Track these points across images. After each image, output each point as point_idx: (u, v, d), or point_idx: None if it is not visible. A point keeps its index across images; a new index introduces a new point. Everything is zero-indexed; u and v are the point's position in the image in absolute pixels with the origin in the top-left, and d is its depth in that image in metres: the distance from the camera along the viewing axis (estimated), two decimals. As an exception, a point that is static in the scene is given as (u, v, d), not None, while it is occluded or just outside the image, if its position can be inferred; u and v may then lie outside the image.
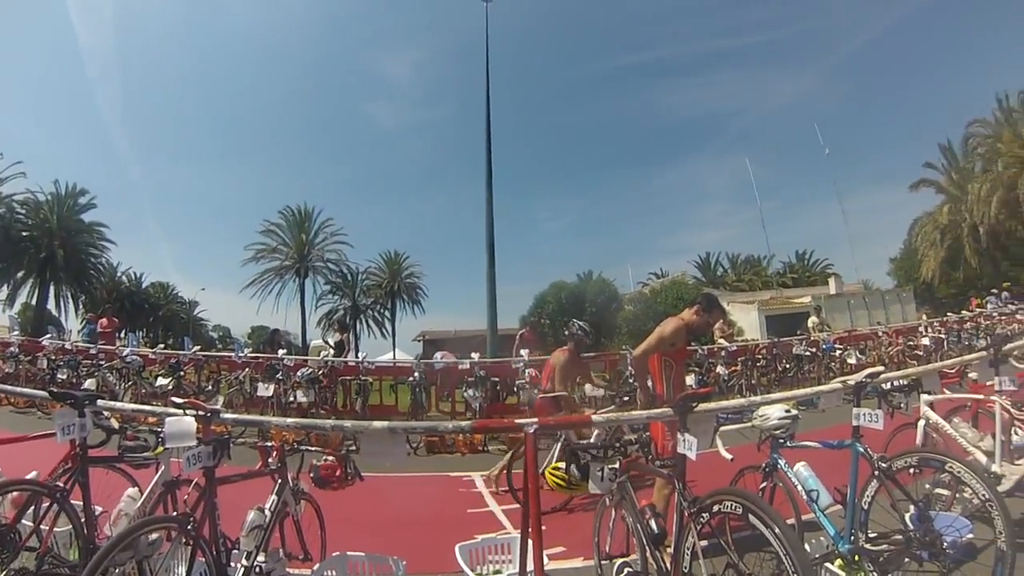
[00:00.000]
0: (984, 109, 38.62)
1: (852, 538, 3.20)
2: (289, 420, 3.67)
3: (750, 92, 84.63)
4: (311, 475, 3.63)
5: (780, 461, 3.66)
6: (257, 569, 2.94)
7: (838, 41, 77.73)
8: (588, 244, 78.93)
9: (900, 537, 3.08)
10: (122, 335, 17.40)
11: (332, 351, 12.45)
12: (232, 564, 2.95)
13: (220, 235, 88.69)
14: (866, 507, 3.28)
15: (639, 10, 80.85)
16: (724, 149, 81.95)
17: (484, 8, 21.99)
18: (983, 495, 2.97)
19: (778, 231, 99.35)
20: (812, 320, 17.01)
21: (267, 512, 3.17)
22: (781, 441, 3.70)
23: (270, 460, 3.50)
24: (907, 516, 3.15)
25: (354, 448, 3.78)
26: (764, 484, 3.72)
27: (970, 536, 3.63)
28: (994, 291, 23.95)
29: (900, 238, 45.61)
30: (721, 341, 14.22)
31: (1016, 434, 4.44)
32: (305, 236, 45.55)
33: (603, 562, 3.52)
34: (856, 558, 3.12)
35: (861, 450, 3.30)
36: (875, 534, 3.23)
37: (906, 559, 3.07)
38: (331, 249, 46.17)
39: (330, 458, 3.66)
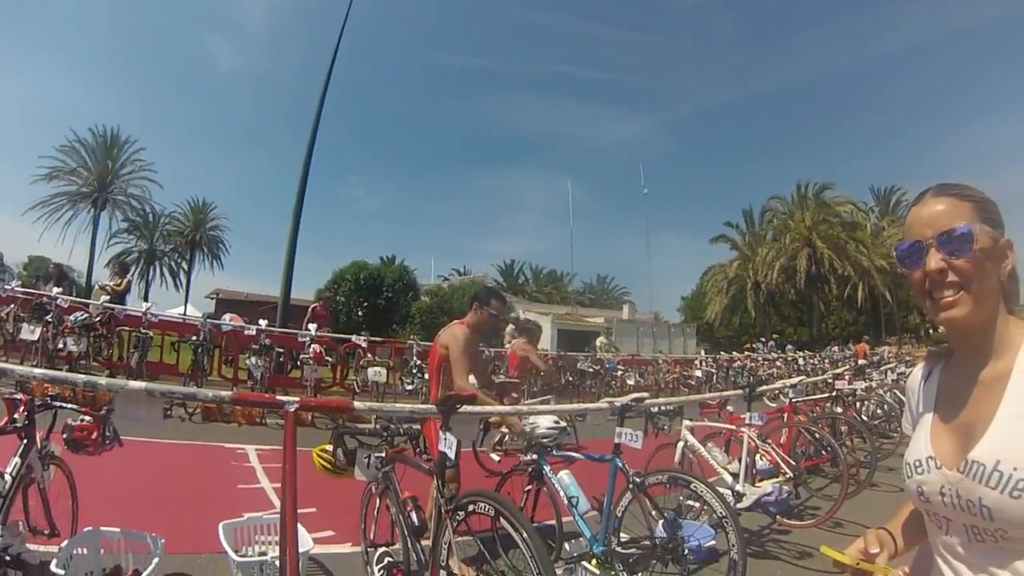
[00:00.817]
0: (781, 188, 44.86)
1: (606, 541, 3.46)
2: (36, 370, 3.12)
3: (585, 122, 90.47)
4: (64, 436, 3.10)
5: (546, 468, 3.83)
6: (-9, 545, 2.42)
7: (675, 101, 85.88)
8: (397, 230, 79.28)
9: (648, 542, 3.39)
10: None
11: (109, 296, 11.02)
12: (-39, 539, 2.41)
13: (9, 143, 73.64)
14: (620, 515, 3.58)
15: (502, 19, 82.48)
16: (548, 167, 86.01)
17: None
18: (720, 512, 3.35)
19: (584, 252, 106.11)
20: (601, 340, 18.33)
21: (7, 477, 2.61)
22: (548, 449, 3.89)
23: (16, 416, 2.93)
24: (660, 524, 3.46)
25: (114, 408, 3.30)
26: (529, 487, 3.91)
27: (712, 543, 4.11)
28: (762, 339, 27.83)
29: (693, 281, 51.40)
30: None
31: (759, 460, 5.13)
32: (111, 163, 40.14)
33: (368, 548, 3.45)
34: (608, 559, 3.39)
35: (619, 465, 3.61)
36: (627, 538, 3.54)
37: (653, 561, 3.41)
38: (136, 184, 41.38)
39: (87, 418, 3.13)
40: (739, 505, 4.55)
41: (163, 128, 74.92)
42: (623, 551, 3.41)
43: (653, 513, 3.45)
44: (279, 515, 3.28)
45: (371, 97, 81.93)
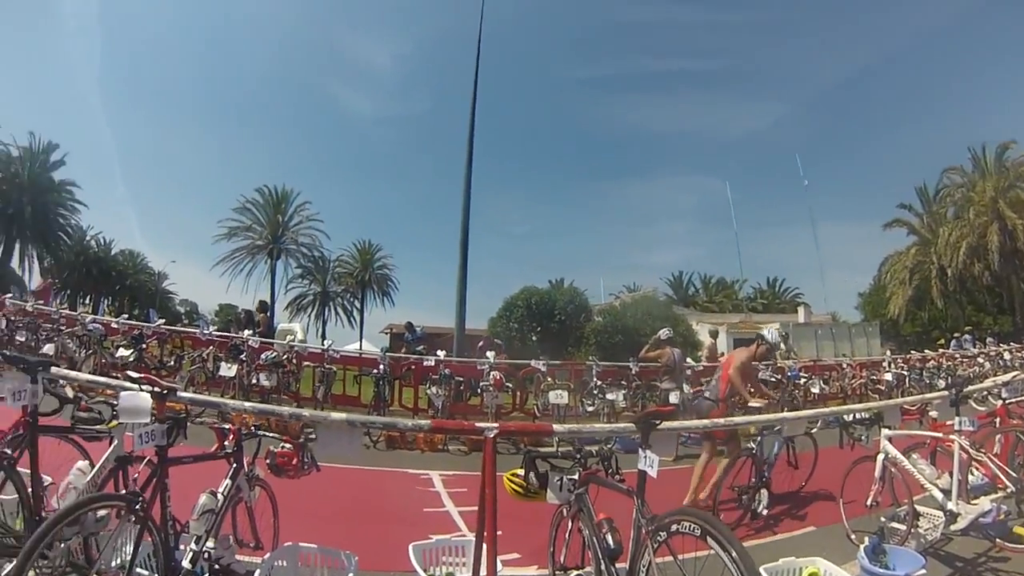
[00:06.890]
0: (956, 158, 39.75)
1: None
2: (247, 404, 3.60)
3: (721, 115, 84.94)
4: (267, 461, 3.53)
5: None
6: (206, 555, 2.84)
7: (815, 76, 78.52)
8: (556, 251, 78.35)
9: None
10: (58, 300, 16.73)
11: (297, 336, 12.29)
12: (180, 547, 2.86)
13: (192, 208, 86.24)
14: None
15: (623, 21, 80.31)
16: (691, 170, 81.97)
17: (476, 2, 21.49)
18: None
19: (746, 255, 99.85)
20: (775, 333, 17.04)
21: (219, 496, 3.07)
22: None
23: (226, 443, 3.39)
24: (862, 548, 3.24)
25: (313, 437, 3.71)
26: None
27: (922, 572, 3.64)
28: (957, 334, 24.74)
29: (870, 274, 46.57)
30: (689, 360, 14.29)
31: (972, 474, 4.52)
32: (281, 217, 45.05)
33: (557, 572, 3.48)
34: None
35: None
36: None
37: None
38: (305, 233, 45.84)
39: (287, 445, 3.57)
40: (953, 527, 4.04)
41: (320, 178, 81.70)
42: None
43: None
44: (466, 538, 3.45)
45: (508, 121, 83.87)
